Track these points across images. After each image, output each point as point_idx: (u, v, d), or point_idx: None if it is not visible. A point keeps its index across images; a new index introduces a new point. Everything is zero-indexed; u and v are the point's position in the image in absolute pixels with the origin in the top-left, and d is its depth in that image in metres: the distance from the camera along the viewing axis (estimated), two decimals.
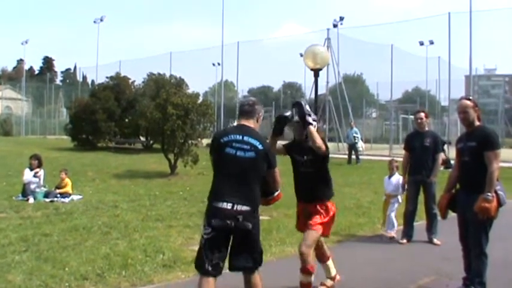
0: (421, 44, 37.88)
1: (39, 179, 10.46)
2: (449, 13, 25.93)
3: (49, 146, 26.32)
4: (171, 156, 15.45)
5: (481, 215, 4.47)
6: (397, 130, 35.03)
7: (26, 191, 10.17)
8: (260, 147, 3.82)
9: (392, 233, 7.40)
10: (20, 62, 73.69)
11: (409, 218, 7.30)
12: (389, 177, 7.70)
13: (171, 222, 8.06)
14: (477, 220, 4.53)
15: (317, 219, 4.54)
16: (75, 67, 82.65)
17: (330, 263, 4.95)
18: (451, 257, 5.75)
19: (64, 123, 33.27)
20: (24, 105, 53.02)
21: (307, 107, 4.53)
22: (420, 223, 7.64)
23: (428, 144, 7.16)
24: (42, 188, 10.51)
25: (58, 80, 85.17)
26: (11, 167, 15.23)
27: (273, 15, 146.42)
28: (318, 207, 4.59)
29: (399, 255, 6.54)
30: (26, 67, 68.11)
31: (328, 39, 29.74)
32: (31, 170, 10.51)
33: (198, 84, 52.90)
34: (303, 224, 4.73)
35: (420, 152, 7.18)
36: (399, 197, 7.56)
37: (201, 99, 17.01)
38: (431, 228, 7.21)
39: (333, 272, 4.96)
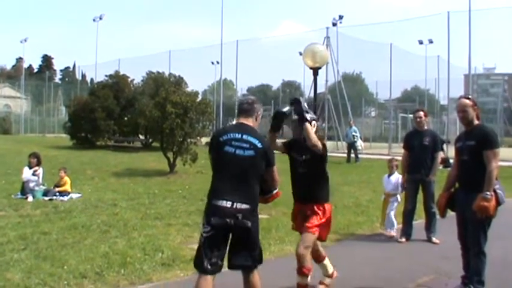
0: (420, 43, 37.94)
1: (38, 178, 10.45)
2: (448, 12, 25.91)
3: (48, 144, 26.29)
4: (170, 155, 15.44)
5: (480, 214, 4.47)
6: (396, 129, 35.03)
7: (25, 189, 10.17)
8: (259, 145, 3.83)
9: (392, 232, 7.41)
10: (19, 60, 73.78)
11: (408, 217, 7.30)
12: (389, 176, 7.71)
13: (170, 221, 8.06)
14: (476, 219, 4.53)
15: (314, 220, 4.51)
16: (74, 65, 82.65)
17: (326, 261, 4.94)
18: (450, 255, 5.75)
19: (63, 122, 33.26)
20: (23, 104, 52.96)
21: (305, 105, 4.51)
22: (419, 222, 7.65)
23: (428, 143, 7.16)
24: (41, 187, 10.51)
25: (57, 78, 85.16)
26: (10, 165, 15.20)
27: (272, 13, 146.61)
28: (316, 207, 4.56)
29: (398, 254, 6.55)
30: (25, 65, 68.16)
31: (328, 37, 29.71)
32: (30, 168, 10.50)
33: (197, 82, 52.88)
34: (299, 225, 4.71)
35: (419, 151, 7.18)
36: (398, 196, 7.57)
37: (200, 97, 16.99)
38: (430, 227, 7.22)
39: (330, 269, 4.96)
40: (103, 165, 16.89)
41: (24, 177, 10.31)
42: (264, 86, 66.20)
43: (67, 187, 10.67)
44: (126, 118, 25.83)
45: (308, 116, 4.44)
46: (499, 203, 4.53)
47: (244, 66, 38.48)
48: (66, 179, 10.85)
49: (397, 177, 7.55)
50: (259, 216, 4.00)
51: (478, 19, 32.18)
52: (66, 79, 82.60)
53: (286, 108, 4.51)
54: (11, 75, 73.94)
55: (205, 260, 3.72)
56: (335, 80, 31.96)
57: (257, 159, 3.82)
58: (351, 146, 21.58)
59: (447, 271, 5.53)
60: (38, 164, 10.67)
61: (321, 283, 4.92)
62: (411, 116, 18.77)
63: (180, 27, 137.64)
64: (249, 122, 3.98)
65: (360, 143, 22.26)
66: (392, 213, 7.49)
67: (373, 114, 52.33)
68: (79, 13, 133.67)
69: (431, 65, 37.23)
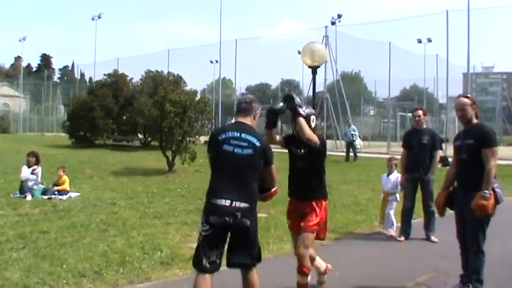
0: (419, 41, 37.92)
1: (37, 176, 10.44)
2: (447, 11, 25.94)
3: (47, 143, 26.28)
4: (169, 154, 15.44)
5: (479, 213, 4.48)
6: (395, 128, 35.10)
7: (23, 188, 10.16)
8: (258, 144, 3.83)
9: (392, 232, 7.42)
10: (18, 59, 73.65)
11: (406, 216, 7.31)
12: (388, 175, 7.71)
13: (169, 220, 8.06)
14: (474, 218, 4.53)
15: (312, 218, 4.46)
16: (73, 64, 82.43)
17: (316, 262, 4.84)
18: (448, 254, 5.76)
19: (62, 121, 33.23)
20: (22, 103, 52.95)
21: (298, 99, 4.45)
22: (418, 220, 7.65)
23: (426, 142, 7.16)
24: (40, 185, 10.50)
25: (56, 77, 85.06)
26: (9, 164, 15.19)
27: (271, 12, 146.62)
28: (314, 204, 4.51)
29: (397, 253, 6.55)
30: (24, 64, 68.11)
31: (326, 36, 29.75)
32: (29, 167, 10.49)
33: (196, 81, 52.65)
34: (294, 224, 4.65)
35: (418, 150, 7.18)
36: (397, 195, 7.57)
37: (199, 96, 16.98)
38: (428, 225, 7.22)
39: (323, 267, 4.88)
40: (102, 164, 16.89)
41: (22, 176, 10.29)
42: (263, 85, 66.17)
43: (66, 186, 10.66)
44: (124, 117, 25.84)
45: (301, 111, 4.37)
46: (497, 201, 4.53)
47: (243, 65, 38.53)
48: (65, 178, 10.84)
49: (396, 176, 7.56)
50: (258, 215, 4.00)
51: (477, 18, 32.19)
52: (65, 78, 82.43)
53: (279, 105, 4.48)
54: (9, 74, 73.84)
55: (204, 259, 3.72)
56: (334, 78, 32.03)
57: (256, 157, 3.82)
58: (350, 144, 21.60)
59: (446, 270, 5.53)
60: (37, 163, 10.65)
61: (319, 283, 4.91)
62: (410, 114, 18.81)
63: (179, 26, 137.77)
64: (247, 121, 3.99)
65: (358, 142, 22.28)
66: (391, 213, 7.50)
67: (372, 113, 52.41)
68: (78, 12, 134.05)
69: (430, 63, 37.36)
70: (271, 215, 8.36)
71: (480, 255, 4.63)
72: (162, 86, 17.27)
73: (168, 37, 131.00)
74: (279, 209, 8.49)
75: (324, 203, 4.59)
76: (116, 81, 26.36)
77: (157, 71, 27.59)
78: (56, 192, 10.29)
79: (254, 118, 4.05)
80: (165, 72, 27.64)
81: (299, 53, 15.99)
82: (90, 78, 50.99)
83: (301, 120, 4.33)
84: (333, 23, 31.02)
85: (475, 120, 4.77)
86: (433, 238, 7.12)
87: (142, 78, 27.78)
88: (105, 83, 26.54)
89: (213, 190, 3.83)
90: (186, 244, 6.41)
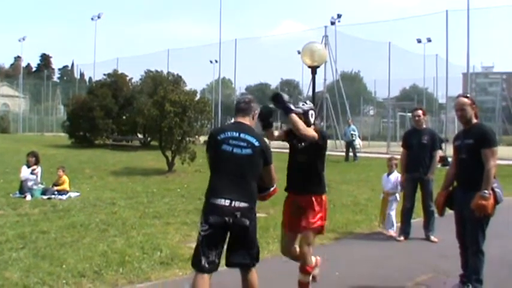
0: (419, 41, 37.94)
1: (37, 176, 10.43)
2: (446, 11, 25.93)
3: (46, 143, 26.28)
4: (169, 154, 15.44)
5: (478, 213, 4.48)
6: (394, 128, 35.10)
7: (23, 188, 10.15)
8: (257, 144, 3.84)
9: (392, 232, 7.42)
10: (18, 59, 73.66)
11: (406, 215, 7.31)
12: (388, 175, 7.71)
13: (169, 220, 8.06)
14: (474, 217, 4.53)
15: (314, 216, 4.43)
16: (72, 64, 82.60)
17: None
18: (448, 254, 5.75)
19: (61, 121, 33.24)
20: (21, 103, 52.94)
21: (286, 96, 4.38)
22: (417, 220, 7.65)
23: (426, 142, 7.16)
24: (40, 185, 10.49)
25: (55, 77, 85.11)
26: (8, 164, 15.19)
27: (270, 12, 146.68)
28: (313, 198, 4.48)
29: (396, 253, 6.56)
30: (24, 64, 68.10)
31: (326, 36, 29.75)
32: (28, 167, 10.49)
33: (196, 81, 52.78)
34: (288, 221, 4.59)
35: (418, 150, 7.18)
36: (397, 195, 7.57)
37: (198, 96, 16.98)
38: (428, 225, 7.22)
39: (312, 261, 4.70)
40: (101, 164, 16.89)
41: (22, 176, 10.29)
42: (263, 85, 66.10)
43: (65, 186, 10.66)
44: (124, 117, 25.85)
45: (291, 106, 4.32)
46: (497, 201, 4.53)
47: (242, 65, 38.54)
48: (65, 177, 10.84)
49: (396, 176, 7.56)
50: (258, 214, 4.00)
51: (477, 18, 32.20)
52: (65, 78, 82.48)
53: (269, 107, 4.42)
54: (9, 74, 73.84)
55: (203, 259, 3.73)
56: (333, 78, 32.05)
57: (255, 157, 3.83)
58: (349, 144, 21.60)
59: (445, 269, 5.53)
60: (37, 162, 10.65)
61: (312, 277, 4.74)
62: (410, 114, 18.83)
63: (178, 25, 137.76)
64: (246, 121, 4.00)
65: (358, 142, 22.29)
66: (392, 214, 7.49)
67: (371, 112, 52.43)
68: (77, 12, 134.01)
69: (430, 63, 37.34)
70: (271, 215, 8.35)
71: (480, 255, 4.63)
72: (161, 86, 17.28)
73: (168, 37, 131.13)
74: (278, 209, 8.44)
75: (323, 197, 4.56)
76: (115, 81, 26.36)
77: (157, 71, 27.59)
78: (56, 192, 10.29)
79: (253, 118, 4.06)
80: (165, 72, 27.63)
81: (299, 53, 16.01)
82: (90, 78, 51.08)
83: (293, 116, 4.30)
84: (332, 23, 31.05)
85: (474, 120, 4.77)
86: (432, 238, 7.12)
87: (142, 78, 27.80)
88: (104, 83, 26.55)
89: (212, 190, 3.83)
90: (185, 244, 6.41)
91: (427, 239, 7.15)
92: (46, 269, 5.27)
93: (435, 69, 36.53)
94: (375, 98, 48.32)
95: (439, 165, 7.89)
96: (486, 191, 4.45)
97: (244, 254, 3.83)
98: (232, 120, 4.16)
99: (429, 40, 37.30)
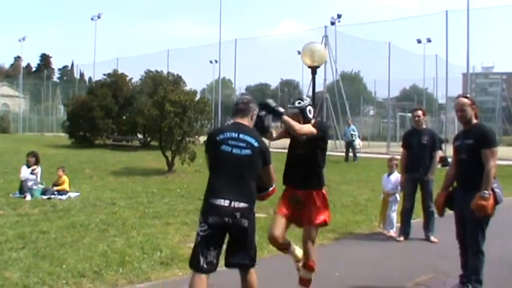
0: (419, 41, 37.95)
1: (37, 176, 10.43)
2: (446, 11, 25.93)
3: (46, 143, 26.29)
4: (169, 154, 15.44)
5: (478, 213, 4.48)
6: (394, 128, 35.10)
7: (23, 188, 10.15)
8: (256, 144, 3.84)
9: (392, 232, 7.42)
10: (17, 59, 73.70)
11: (406, 216, 7.31)
12: (388, 175, 7.71)
13: (169, 220, 8.06)
14: (474, 218, 4.54)
15: (315, 212, 4.42)
16: (72, 64, 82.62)
17: (292, 247, 4.66)
18: (448, 254, 5.76)
19: (61, 121, 33.25)
20: (21, 103, 52.94)
21: (271, 102, 4.34)
22: (417, 221, 7.65)
23: (426, 142, 7.17)
24: (40, 185, 10.49)
25: (55, 77, 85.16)
26: (8, 164, 15.19)
27: (270, 12, 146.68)
28: (314, 193, 4.47)
29: (396, 253, 6.56)
30: (23, 64, 68.08)
31: (326, 36, 29.73)
32: (28, 167, 10.48)
33: (196, 81, 52.73)
34: (285, 209, 4.51)
35: (417, 150, 7.19)
36: (397, 196, 7.57)
37: (198, 96, 16.98)
38: (428, 226, 7.23)
39: (300, 253, 4.66)
40: (101, 164, 16.89)
41: (22, 176, 10.29)
42: (263, 85, 66.15)
43: (65, 186, 10.66)
44: (124, 117, 25.86)
45: (281, 109, 4.30)
46: (497, 201, 4.54)
47: (242, 65, 38.48)
48: (65, 178, 10.84)
49: (396, 176, 7.55)
50: (257, 215, 4.00)
51: (477, 18, 32.14)
52: (65, 78, 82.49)
53: (261, 113, 4.29)
54: (9, 74, 73.87)
55: (201, 259, 3.73)
56: (333, 78, 32.03)
57: (254, 158, 3.83)
58: (349, 145, 21.60)
59: (445, 270, 5.54)
60: (36, 162, 10.65)
61: (298, 269, 4.69)
62: (409, 114, 18.81)
63: (178, 26, 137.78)
64: (245, 121, 4.00)
65: (358, 142, 22.29)
66: (393, 214, 7.49)
67: (371, 113, 52.44)
68: (77, 12, 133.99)
69: (430, 64, 37.35)
70: (270, 215, 8.33)
71: (480, 255, 4.63)
72: (161, 86, 17.27)
73: (167, 37, 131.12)
74: None
75: (324, 191, 4.55)
76: (115, 81, 26.37)
77: (157, 71, 27.58)
78: (56, 192, 10.29)
79: (251, 119, 4.06)
80: (165, 72, 27.60)
81: (299, 53, 16.05)
82: (90, 78, 51.08)
83: (285, 119, 4.30)
84: (332, 23, 31.03)
85: (474, 121, 4.78)
86: (432, 238, 7.12)
87: (142, 78, 27.80)
88: (104, 83, 26.55)
89: (211, 190, 3.83)
90: (185, 244, 6.40)
91: (427, 239, 7.15)
92: (46, 269, 5.27)
93: (435, 70, 36.57)
94: (375, 98, 48.35)
95: (439, 166, 7.89)
96: (486, 192, 4.45)
97: (244, 254, 3.82)
98: (231, 121, 4.15)
99: (429, 40, 37.31)
